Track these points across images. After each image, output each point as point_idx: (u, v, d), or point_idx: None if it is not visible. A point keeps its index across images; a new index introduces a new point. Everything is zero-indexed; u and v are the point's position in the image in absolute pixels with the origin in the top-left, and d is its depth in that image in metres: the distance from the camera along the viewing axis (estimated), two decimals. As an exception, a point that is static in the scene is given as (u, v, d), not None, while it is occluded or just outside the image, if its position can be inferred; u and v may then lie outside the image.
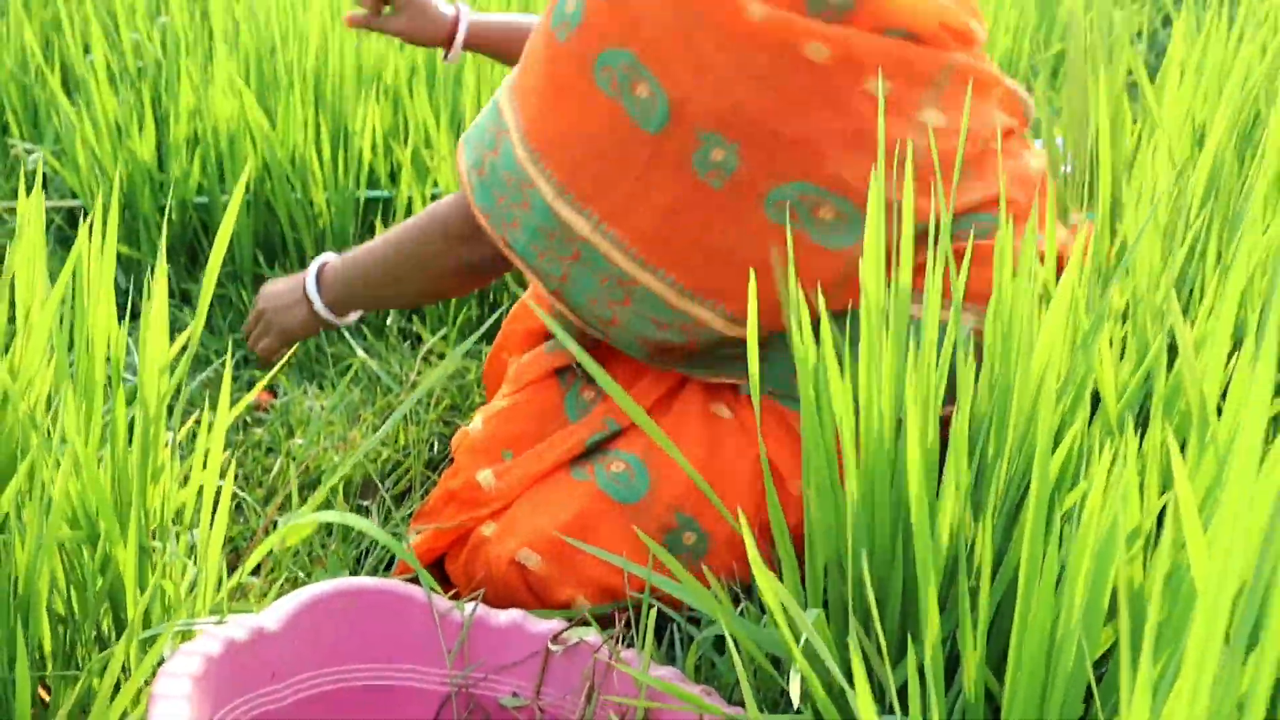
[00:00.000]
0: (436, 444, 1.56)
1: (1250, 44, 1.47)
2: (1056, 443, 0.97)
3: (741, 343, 1.16)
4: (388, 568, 1.34)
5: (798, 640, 0.95)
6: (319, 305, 1.47)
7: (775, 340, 1.23)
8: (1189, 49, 1.55)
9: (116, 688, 1.01)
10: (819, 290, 1.06)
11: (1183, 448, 0.97)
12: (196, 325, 1.09)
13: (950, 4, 1.25)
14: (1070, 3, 2.00)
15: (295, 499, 1.27)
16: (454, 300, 1.84)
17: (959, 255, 1.21)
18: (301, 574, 1.31)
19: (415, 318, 1.85)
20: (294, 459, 1.42)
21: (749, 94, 1.17)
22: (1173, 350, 1.11)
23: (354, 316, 1.51)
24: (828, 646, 0.93)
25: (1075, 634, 0.83)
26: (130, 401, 1.09)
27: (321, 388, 1.65)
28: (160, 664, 0.99)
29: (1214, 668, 0.66)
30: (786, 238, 1.16)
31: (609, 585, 1.23)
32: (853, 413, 1.01)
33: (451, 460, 1.33)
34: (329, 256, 1.50)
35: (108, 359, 1.12)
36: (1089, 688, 0.87)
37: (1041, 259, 1.21)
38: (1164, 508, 0.95)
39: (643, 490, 1.24)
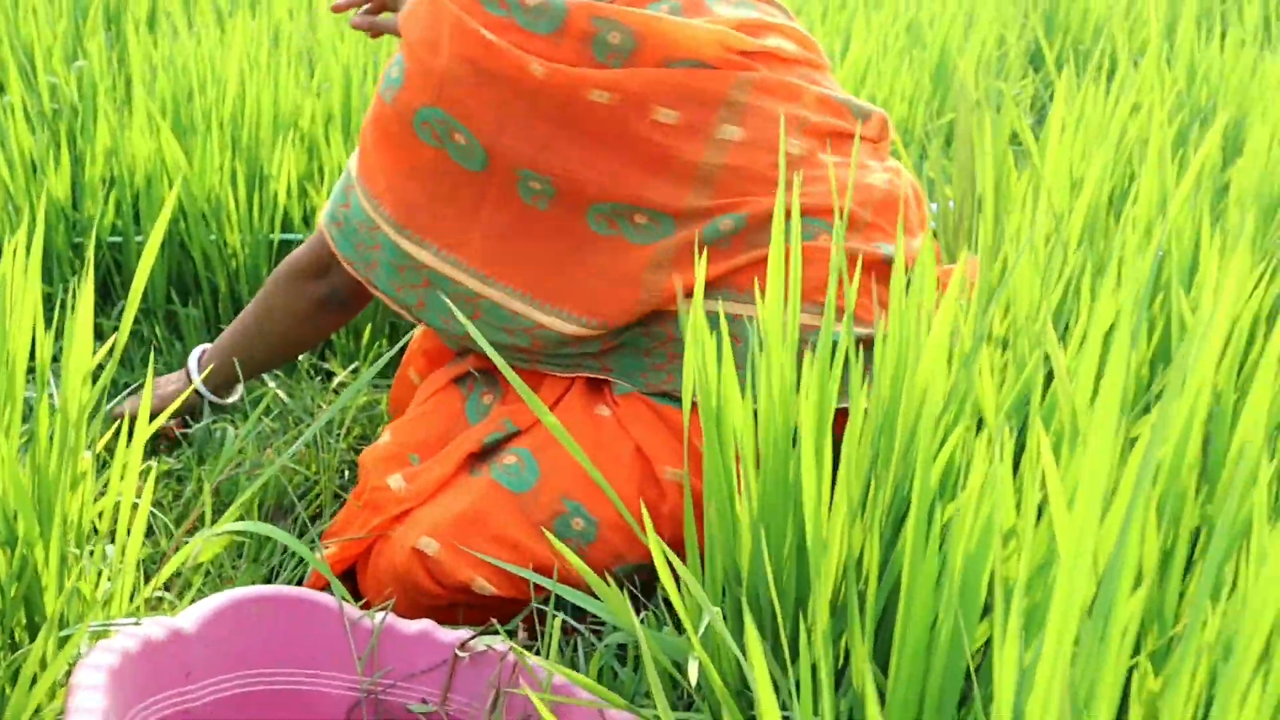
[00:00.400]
0: (347, 471, 1.59)
1: (1124, 103, 1.57)
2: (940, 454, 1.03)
3: (582, 341, 1.34)
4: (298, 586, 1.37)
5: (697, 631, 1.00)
6: (195, 375, 1.60)
7: (622, 337, 1.35)
8: (1069, 108, 1.64)
9: (33, 683, 1.02)
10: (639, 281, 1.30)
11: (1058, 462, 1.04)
12: (121, 335, 1.13)
13: (732, 30, 1.38)
14: (961, 74, 2.11)
15: (208, 519, 1.30)
16: (365, 336, 1.88)
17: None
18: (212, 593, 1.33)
19: (327, 352, 1.89)
20: (206, 483, 1.45)
21: (548, 138, 1.32)
22: (1049, 379, 1.19)
23: (235, 395, 1.64)
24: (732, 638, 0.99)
25: (952, 622, 0.89)
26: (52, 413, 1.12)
27: (234, 420, 1.67)
28: (77, 659, 1.02)
29: (1072, 638, 0.73)
30: (606, 243, 1.34)
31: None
32: (752, 430, 1.08)
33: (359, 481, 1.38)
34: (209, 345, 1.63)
35: (30, 371, 1.14)
36: (968, 676, 0.93)
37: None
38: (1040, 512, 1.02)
39: (532, 480, 1.32)
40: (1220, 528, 0.80)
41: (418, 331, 1.59)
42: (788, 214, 1.10)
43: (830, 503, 1.02)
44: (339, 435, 1.63)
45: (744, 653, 1.04)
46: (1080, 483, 0.70)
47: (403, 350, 1.60)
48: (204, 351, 1.62)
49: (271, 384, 1.73)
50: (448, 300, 1.33)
